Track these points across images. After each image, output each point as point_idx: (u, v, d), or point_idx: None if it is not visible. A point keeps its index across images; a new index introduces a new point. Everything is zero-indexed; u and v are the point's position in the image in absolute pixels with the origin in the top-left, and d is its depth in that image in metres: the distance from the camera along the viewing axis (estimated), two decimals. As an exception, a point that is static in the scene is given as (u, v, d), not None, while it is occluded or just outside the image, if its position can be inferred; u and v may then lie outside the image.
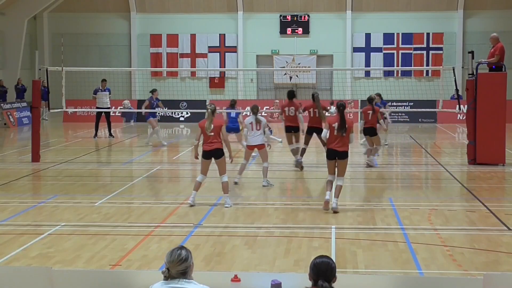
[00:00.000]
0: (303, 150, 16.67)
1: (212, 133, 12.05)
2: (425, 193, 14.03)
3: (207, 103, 29.42)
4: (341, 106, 11.91)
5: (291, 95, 16.56)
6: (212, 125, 12.03)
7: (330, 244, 9.65)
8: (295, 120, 16.34)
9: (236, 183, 14.25)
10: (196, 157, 12.76)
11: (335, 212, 11.55)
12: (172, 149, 21.10)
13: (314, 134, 16.26)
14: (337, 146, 11.77)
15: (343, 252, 9.16)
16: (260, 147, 14.10)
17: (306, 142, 16.73)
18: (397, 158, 18.54)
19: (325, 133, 11.96)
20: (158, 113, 22.75)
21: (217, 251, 9.25)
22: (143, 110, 21.74)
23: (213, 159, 12.21)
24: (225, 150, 12.27)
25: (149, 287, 4.91)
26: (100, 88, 24.19)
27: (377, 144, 16.97)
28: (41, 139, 18.37)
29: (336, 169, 11.91)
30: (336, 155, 11.81)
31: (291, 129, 16.44)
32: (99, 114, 24.29)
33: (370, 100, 16.82)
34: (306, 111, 16.54)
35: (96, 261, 8.78)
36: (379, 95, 20.28)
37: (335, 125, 11.76)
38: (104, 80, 24.47)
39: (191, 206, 12.06)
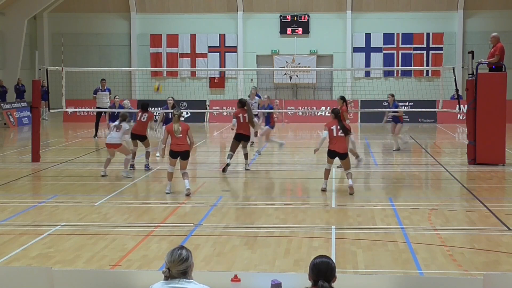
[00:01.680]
0: (230, 156, 16.01)
1: (181, 135, 13.24)
2: (425, 193, 14.03)
3: (207, 103, 29.55)
4: (338, 113, 13.47)
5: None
6: (181, 128, 13.21)
7: (330, 244, 9.65)
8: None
9: (103, 175, 15.38)
10: (163, 156, 14.22)
11: (351, 188, 13.18)
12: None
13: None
14: (338, 148, 13.25)
15: (343, 252, 9.16)
16: (116, 146, 15.37)
17: (233, 150, 16.06)
18: (397, 158, 18.54)
19: (325, 135, 13.33)
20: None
21: (217, 251, 9.25)
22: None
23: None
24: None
25: (149, 287, 4.91)
26: (100, 88, 24.18)
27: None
28: (41, 139, 18.37)
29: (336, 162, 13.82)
30: (337, 155, 13.35)
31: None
32: (99, 114, 24.28)
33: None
34: (235, 117, 16.02)
35: (96, 261, 8.78)
36: (392, 95, 20.54)
37: (334, 127, 13.27)
38: (103, 80, 24.45)
39: (167, 193, 13.27)
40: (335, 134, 13.22)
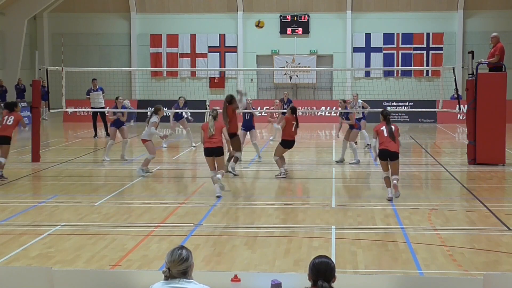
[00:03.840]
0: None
1: (214, 133, 13.23)
2: (425, 193, 14.03)
3: (207, 103, 29.53)
4: (387, 115, 12.85)
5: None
6: (215, 127, 13.24)
7: (330, 244, 9.65)
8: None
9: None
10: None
11: (396, 187, 12.50)
12: (172, 149, 21.09)
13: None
14: (389, 146, 12.52)
15: (343, 252, 9.16)
16: (143, 141, 15.59)
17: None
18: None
19: (374, 142, 12.77)
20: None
21: (217, 251, 9.25)
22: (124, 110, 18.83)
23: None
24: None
25: (149, 287, 4.92)
26: (92, 88, 24.14)
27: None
28: (41, 139, 18.37)
29: (390, 168, 12.69)
30: (389, 156, 12.54)
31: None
32: (94, 114, 24.27)
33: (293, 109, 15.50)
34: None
35: (96, 261, 8.78)
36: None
37: (383, 128, 12.64)
38: (94, 80, 24.37)
39: (218, 197, 12.82)
40: (385, 134, 12.59)
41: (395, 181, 12.58)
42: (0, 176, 15.04)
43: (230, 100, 15.55)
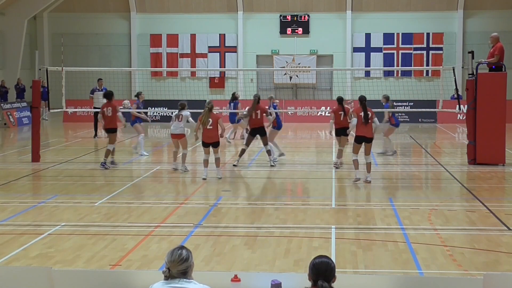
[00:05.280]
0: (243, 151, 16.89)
1: (211, 127, 14.60)
2: (425, 193, 14.03)
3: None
4: (363, 100, 14.33)
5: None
6: (211, 120, 14.55)
7: (330, 244, 9.65)
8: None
9: (175, 169, 16.16)
10: (196, 138, 15.49)
11: (368, 182, 14.16)
12: (172, 149, 21.07)
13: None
14: (365, 133, 14.19)
15: (343, 252, 9.16)
16: (180, 136, 15.97)
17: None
18: (397, 158, 18.52)
19: (354, 121, 14.23)
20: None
21: (217, 251, 9.25)
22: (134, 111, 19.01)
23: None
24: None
25: (149, 287, 4.92)
26: (97, 88, 24.16)
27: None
28: (41, 139, 18.36)
29: (363, 150, 14.46)
30: (364, 140, 14.27)
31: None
32: (97, 114, 24.28)
33: (340, 100, 16.48)
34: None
35: (96, 261, 8.78)
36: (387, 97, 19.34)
37: (361, 114, 14.15)
38: (100, 80, 24.42)
39: (204, 179, 14.68)
40: (362, 121, 14.12)
41: (369, 161, 14.38)
42: (103, 164, 16.25)
43: (259, 100, 16.78)
